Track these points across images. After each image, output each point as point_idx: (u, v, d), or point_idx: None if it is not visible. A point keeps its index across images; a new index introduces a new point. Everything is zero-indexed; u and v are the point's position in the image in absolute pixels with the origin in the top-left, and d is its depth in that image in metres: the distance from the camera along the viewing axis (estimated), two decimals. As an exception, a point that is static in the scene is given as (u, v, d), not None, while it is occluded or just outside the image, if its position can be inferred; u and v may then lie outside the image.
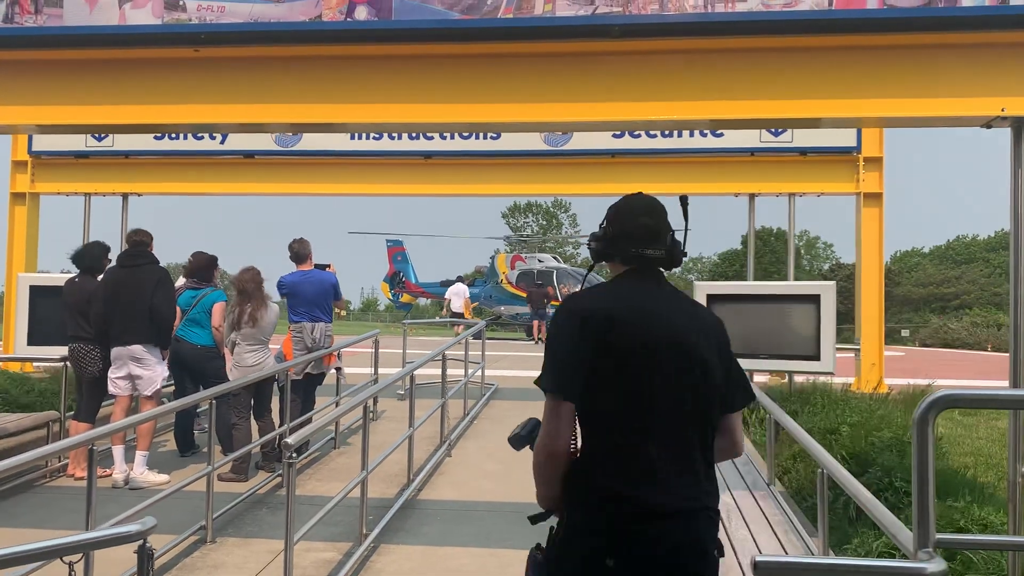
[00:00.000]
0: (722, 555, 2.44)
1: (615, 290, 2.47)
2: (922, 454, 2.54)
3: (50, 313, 8.13)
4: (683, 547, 2.29)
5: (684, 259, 2.56)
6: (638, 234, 2.45)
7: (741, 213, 10.96)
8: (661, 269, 2.50)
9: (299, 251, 8.06)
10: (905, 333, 43.18)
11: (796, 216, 10.53)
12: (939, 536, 2.57)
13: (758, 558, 2.46)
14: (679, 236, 2.51)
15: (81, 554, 2.69)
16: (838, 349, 9.38)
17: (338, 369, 8.53)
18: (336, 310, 8.27)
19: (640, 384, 2.31)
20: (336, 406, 8.24)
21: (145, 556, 2.80)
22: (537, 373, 2.38)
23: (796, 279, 10.72)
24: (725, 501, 4.59)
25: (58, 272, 9.87)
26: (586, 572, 2.28)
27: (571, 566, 2.31)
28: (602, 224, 2.54)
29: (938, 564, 2.41)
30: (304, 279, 7.93)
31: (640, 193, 2.60)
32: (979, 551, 3.96)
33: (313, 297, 7.92)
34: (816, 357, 7.86)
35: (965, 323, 38.60)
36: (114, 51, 4.52)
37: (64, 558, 2.68)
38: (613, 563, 2.24)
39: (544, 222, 73.84)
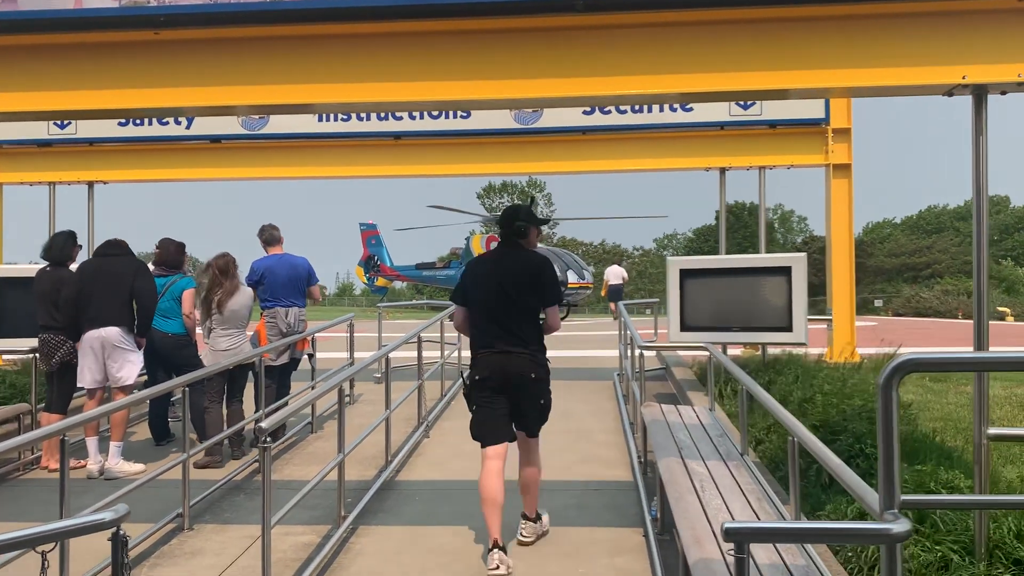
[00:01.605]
0: (539, 376, 4.78)
1: (488, 253, 5.13)
2: (887, 418, 2.58)
3: (18, 304, 7.99)
4: (509, 369, 4.69)
5: (536, 232, 4.99)
6: (501, 223, 5.01)
7: (715, 188, 10.99)
8: (515, 237, 4.91)
9: (273, 235, 8.00)
10: (878, 303, 43.76)
11: (771, 190, 10.62)
12: (904, 497, 2.61)
13: (727, 524, 2.50)
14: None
15: (54, 544, 2.66)
16: (811, 320, 9.49)
17: (310, 356, 8.50)
18: (312, 299, 8.18)
19: (482, 296, 4.78)
20: (312, 391, 8.22)
21: (119, 544, 2.78)
22: None
23: (770, 252, 10.81)
24: (698, 471, 4.64)
25: (25, 264, 9.73)
26: (472, 384, 4.81)
27: (470, 381, 4.82)
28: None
29: (902, 524, 2.45)
30: (278, 262, 7.87)
31: (510, 205, 5.19)
32: (948, 513, 4.06)
33: (287, 281, 7.85)
34: (788, 328, 7.93)
35: (936, 292, 39.20)
36: (72, 35, 4.41)
37: (37, 548, 2.66)
38: (479, 378, 4.75)
39: (519, 202, 73.75)
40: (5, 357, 9.74)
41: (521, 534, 4.93)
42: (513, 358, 4.67)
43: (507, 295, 4.68)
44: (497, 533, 4.54)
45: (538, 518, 5.02)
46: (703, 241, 62.80)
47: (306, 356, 8.39)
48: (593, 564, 4.64)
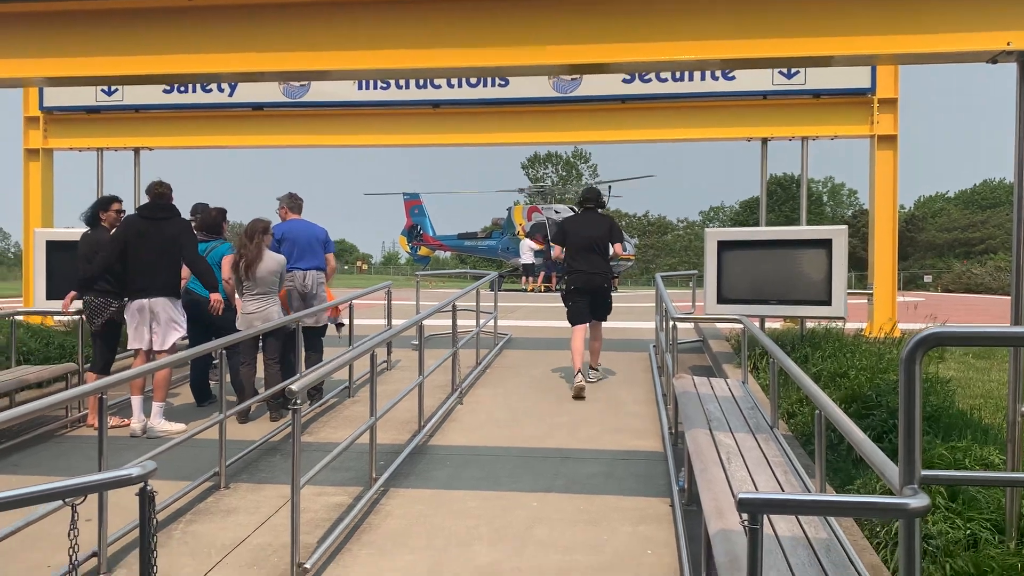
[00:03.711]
0: (609, 286, 8.52)
1: (578, 214, 8.93)
2: (909, 392, 2.54)
3: (67, 267, 8.24)
4: (593, 282, 8.32)
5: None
6: (586, 197, 8.73)
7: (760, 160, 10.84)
8: (595, 207, 8.62)
9: (297, 202, 8.24)
10: (928, 279, 42.79)
11: (822, 162, 10.53)
12: (924, 472, 2.58)
13: (741, 495, 2.49)
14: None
15: (83, 497, 2.75)
16: (852, 294, 9.31)
17: (339, 325, 8.64)
18: (328, 266, 8.28)
19: (575, 239, 8.36)
20: (345, 355, 8.34)
21: (146, 499, 2.87)
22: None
23: (817, 225, 10.62)
24: (726, 443, 4.62)
25: (74, 228, 9.97)
26: (568, 292, 8.47)
27: (567, 290, 8.51)
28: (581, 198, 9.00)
29: (921, 499, 2.42)
30: (297, 225, 8.14)
31: (590, 186, 10.87)
32: (980, 490, 3.99)
33: (305, 244, 8.05)
34: (827, 302, 7.81)
35: (989, 268, 38.14)
36: (108, 2, 4.50)
37: (67, 500, 2.76)
38: (574, 288, 8.36)
39: (564, 173, 73.28)
40: (56, 319, 10.03)
41: (587, 377, 8.29)
42: (595, 276, 8.25)
43: (591, 238, 8.20)
44: (580, 366, 8.02)
45: (596, 369, 8.74)
46: (750, 213, 61.84)
47: (335, 325, 8.54)
48: (617, 531, 4.66)
